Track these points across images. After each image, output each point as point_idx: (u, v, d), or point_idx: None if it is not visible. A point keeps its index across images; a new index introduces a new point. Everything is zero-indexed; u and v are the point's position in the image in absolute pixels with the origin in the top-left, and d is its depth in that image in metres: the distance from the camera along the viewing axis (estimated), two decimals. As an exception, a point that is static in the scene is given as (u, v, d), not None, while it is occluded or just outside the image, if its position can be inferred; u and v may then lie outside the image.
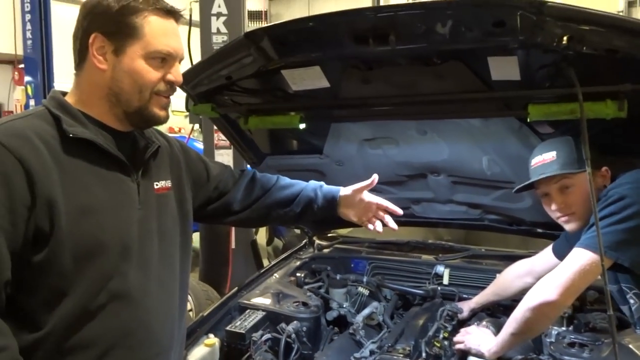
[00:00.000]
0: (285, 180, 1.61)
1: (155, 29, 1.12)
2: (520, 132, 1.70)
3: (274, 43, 1.50)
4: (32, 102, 5.13)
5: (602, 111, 1.31)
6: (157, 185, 1.27)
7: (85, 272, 1.07)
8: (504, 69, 1.43)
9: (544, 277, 1.46)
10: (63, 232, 1.04)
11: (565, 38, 1.16)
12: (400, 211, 1.54)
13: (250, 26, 4.27)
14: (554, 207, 1.60)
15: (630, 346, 1.58)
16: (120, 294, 1.12)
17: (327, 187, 1.59)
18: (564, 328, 1.80)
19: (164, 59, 1.14)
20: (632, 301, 1.54)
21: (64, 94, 1.20)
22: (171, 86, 1.18)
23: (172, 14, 1.16)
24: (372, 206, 1.55)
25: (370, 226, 1.56)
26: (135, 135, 1.25)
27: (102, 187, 1.12)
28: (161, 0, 1.15)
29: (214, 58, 1.65)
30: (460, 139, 1.83)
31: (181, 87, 1.81)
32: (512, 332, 1.54)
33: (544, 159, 1.56)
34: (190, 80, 1.76)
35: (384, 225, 1.54)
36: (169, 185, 1.31)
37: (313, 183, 1.60)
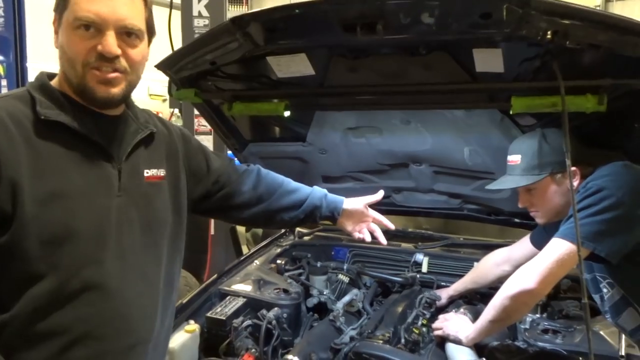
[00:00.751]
0: (291, 184, 1.59)
1: None
2: (502, 124, 1.73)
3: (260, 29, 1.48)
4: (4, 82, 4.98)
5: (582, 105, 1.34)
6: (147, 172, 1.21)
7: (54, 259, 1.03)
8: (489, 61, 1.45)
9: (523, 266, 1.50)
10: (27, 216, 1.00)
11: (549, 32, 1.17)
12: (392, 225, 1.62)
13: (231, 10, 4.21)
14: (520, 204, 1.69)
15: (601, 332, 1.65)
16: (94, 283, 1.08)
17: (331, 197, 1.58)
18: (538, 315, 1.86)
19: (90, 27, 1.04)
20: (605, 290, 1.59)
21: (53, 76, 1.15)
22: (104, 58, 1.05)
23: None
24: (369, 219, 1.58)
25: (359, 235, 1.57)
26: (127, 120, 1.19)
27: (76, 172, 1.07)
28: None
29: (199, 42, 1.62)
30: (444, 130, 1.85)
31: (164, 71, 1.79)
32: (491, 319, 1.57)
33: (512, 160, 1.64)
34: (173, 64, 1.73)
35: (373, 238, 1.58)
36: (162, 174, 1.25)
37: (318, 190, 1.59)
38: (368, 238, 1.57)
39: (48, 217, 1.02)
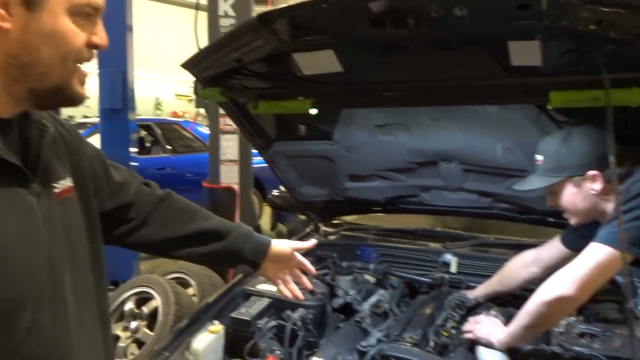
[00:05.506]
0: (209, 214, 1.32)
1: None
2: (538, 120, 1.66)
3: (287, 25, 1.46)
4: None
5: (627, 99, 1.27)
6: (56, 188, 0.90)
7: None
8: (525, 54, 1.38)
9: (560, 271, 1.44)
10: None
11: (593, 22, 1.12)
12: (314, 270, 1.45)
13: (256, 9, 4.22)
14: (547, 204, 1.66)
15: (642, 337, 1.57)
16: (37, 355, 0.84)
17: (257, 238, 1.34)
18: (573, 318, 1.79)
19: (89, 15, 0.83)
20: (643, 295, 1.52)
21: None
22: (92, 54, 0.87)
23: None
24: (294, 264, 1.40)
25: (284, 289, 1.40)
26: (25, 120, 0.88)
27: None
28: None
29: (225, 40, 1.60)
30: (475, 126, 1.80)
31: (190, 70, 1.78)
32: (524, 325, 1.52)
33: (537, 160, 1.61)
34: (199, 63, 1.72)
35: (301, 288, 1.43)
36: (71, 185, 0.95)
37: (242, 228, 1.34)
38: (289, 294, 1.41)
39: None
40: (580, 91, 1.33)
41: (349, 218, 2.85)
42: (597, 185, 1.49)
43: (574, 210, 1.60)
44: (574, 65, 1.38)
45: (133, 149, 4.45)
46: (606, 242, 1.36)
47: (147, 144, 7.52)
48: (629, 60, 1.28)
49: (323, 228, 2.69)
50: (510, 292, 2.01)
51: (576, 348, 1.58)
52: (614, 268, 1.35)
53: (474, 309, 2.01)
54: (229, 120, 3.79)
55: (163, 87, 16.09)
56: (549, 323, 1.54)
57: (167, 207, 1.24)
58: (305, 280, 1.44)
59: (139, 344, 3.15)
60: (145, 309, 3.23)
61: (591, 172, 1.50)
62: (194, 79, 1.82)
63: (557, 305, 1.42)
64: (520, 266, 1.95)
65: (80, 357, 0.92)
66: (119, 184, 1.15)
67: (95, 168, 1.08)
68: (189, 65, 1.70)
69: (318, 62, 1.63)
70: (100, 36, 0.86)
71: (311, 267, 1.44)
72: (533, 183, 1.62)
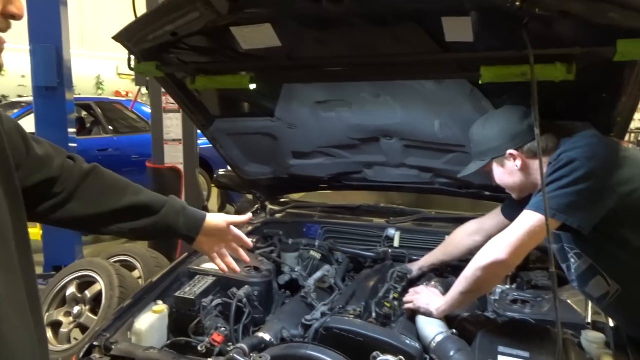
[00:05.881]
0: (140, 188, 1.28)
1: None
2: (472, 95, 1.71)
3: (223, -3, 1.42)
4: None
5: (551, 74, 1.33)
6: None
7: None
8: (458, 30, 1.41)
9: (494, 238, 1.50)
10: None
11: (519, -1, 1.15)
12: (250, 244, 1.45)
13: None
14: (493, 183, 1.75)
15: (569, 301, 1.68)
16: None
17: (191, 212, 1.33)
18: (507, 286, 1.88)
19: None
20: (572, 260, 1.61)
21: None
22: (9, 23, 0.85)
23: None
24: (230, 238, 1.40)
25: (220, 263, 1.40)
26: None
27: None
28: None
29: (158, 12, 1.54)
30: (414, 103, 1.82)
31: (123, 44, 1.71)
32: (462, 290, 1.58)
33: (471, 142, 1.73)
34: (132, 36, 1.65)
35: (237, 261, 1.43)
36: None
37: (175, 202, 1.31)
38: (225, 268, 1.41)
39: None
40: (509, 67, 1.37)
41: (295, 196, 2.86)
42: (519, 162, 1.60)
43: (506, 186, 1.70)
44: (504, 42, 1.42)
45: (72, 130, 4.27)
46: (536, 209, 1.43)
47: (88, 125, 7.22)
48: (553, 37, 1.33)
49: (270, 206, 2.69)
50: (454, 261, 2.09)
51: (509, 313, 1.68)
52: (544, 233, 1.42)
53: (416, 281, 2.08)
54: (172, 99, 3.69)
55: (104, 65, 15.38)
56: (485, 287, 1.62)
57: (94, 181, 1.20)
58: (242, 253, 1.44)
59: (83, 329, 3.08)
60: (88, 293, 3.15)
61: (509, 152, 1.60)
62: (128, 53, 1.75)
63: (491, 270, 1.49)
64: (464, 235, 2.04)
65: (11, 335, 0.88)
66: (40, 158, 1.10)
67: (14, 141, 1.03)
68: (121, 38, 1.63)
69: (256, 36, 1.60)
70: (17, 5, 0.83)
71: (248, 241, 1.44)
72: (469, 168, 1.74)
